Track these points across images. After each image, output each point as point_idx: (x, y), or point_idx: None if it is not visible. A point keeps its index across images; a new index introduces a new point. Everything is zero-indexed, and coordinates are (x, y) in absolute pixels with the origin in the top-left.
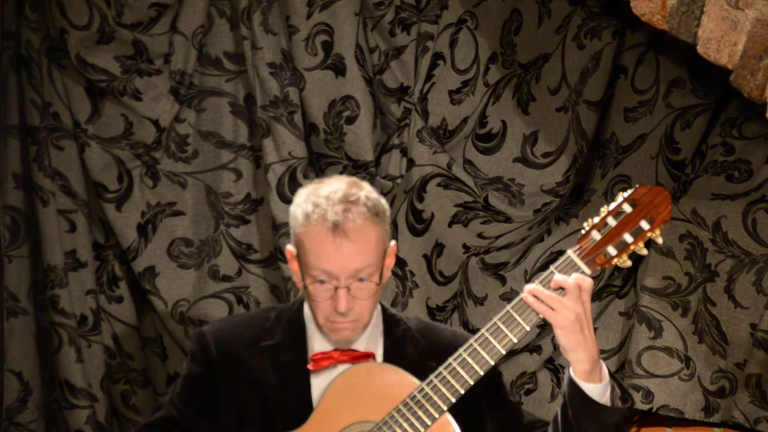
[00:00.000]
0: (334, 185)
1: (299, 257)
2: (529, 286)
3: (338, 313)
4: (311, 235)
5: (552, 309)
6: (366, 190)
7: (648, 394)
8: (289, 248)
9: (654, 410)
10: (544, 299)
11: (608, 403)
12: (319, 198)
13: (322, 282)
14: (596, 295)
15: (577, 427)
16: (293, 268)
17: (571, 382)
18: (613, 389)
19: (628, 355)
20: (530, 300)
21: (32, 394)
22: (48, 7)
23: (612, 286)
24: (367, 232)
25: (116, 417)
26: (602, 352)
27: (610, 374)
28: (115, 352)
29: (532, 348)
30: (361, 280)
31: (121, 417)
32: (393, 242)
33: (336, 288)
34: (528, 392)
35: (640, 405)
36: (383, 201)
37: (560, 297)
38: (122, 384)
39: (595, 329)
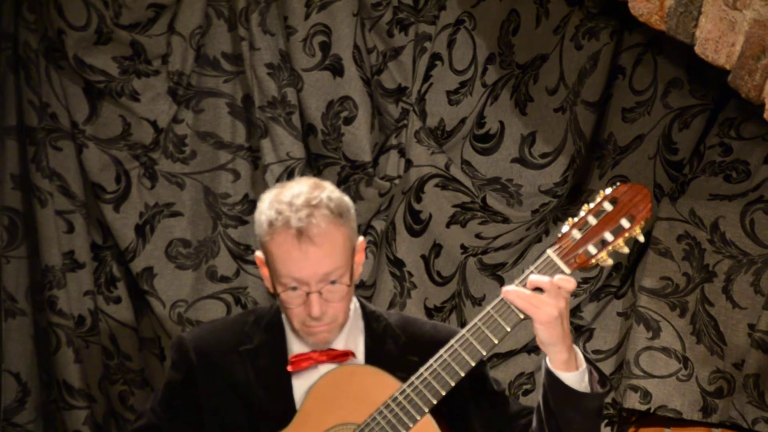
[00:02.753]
0: (296, 189)
1: (268, 264)
2: (506, 288)
3: (312, 318)
4: (277, 243)
5: (535, 306)
6: (328, 191)
7: (646, 395)
8: (258, 255)
9: (652, 410)
10: (525, 298)
11: (587, 390)
12: (281, 204)
13: (294, 289)
14: (594, 296)
15: (560, 415)
16: (264, 273)
17: (549, 374)
18: (590, 374)
19: (626, 355)
20: (512, 297)
21: (30, 395)
22: (46, 7)
23: (610, 287)
24: (333, 235)
25: (114, 418)
26: (600, 352)
27: (586, 359)
28: (113, 353)
29: (530, 348)
30: (332, 282)
31: (118, 418)
32: (361, 238)
33: (308, 293)
34: (526, 393)
35: (637, 405)
36: (346, 199)
37: (540, 295)
38: (120, 385)
39: (593, 329)
